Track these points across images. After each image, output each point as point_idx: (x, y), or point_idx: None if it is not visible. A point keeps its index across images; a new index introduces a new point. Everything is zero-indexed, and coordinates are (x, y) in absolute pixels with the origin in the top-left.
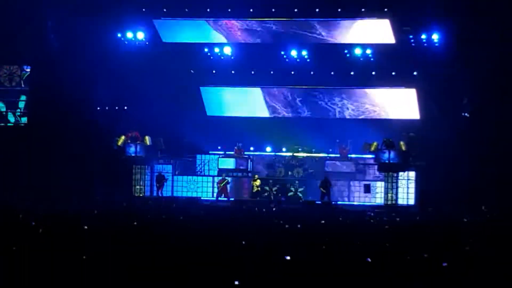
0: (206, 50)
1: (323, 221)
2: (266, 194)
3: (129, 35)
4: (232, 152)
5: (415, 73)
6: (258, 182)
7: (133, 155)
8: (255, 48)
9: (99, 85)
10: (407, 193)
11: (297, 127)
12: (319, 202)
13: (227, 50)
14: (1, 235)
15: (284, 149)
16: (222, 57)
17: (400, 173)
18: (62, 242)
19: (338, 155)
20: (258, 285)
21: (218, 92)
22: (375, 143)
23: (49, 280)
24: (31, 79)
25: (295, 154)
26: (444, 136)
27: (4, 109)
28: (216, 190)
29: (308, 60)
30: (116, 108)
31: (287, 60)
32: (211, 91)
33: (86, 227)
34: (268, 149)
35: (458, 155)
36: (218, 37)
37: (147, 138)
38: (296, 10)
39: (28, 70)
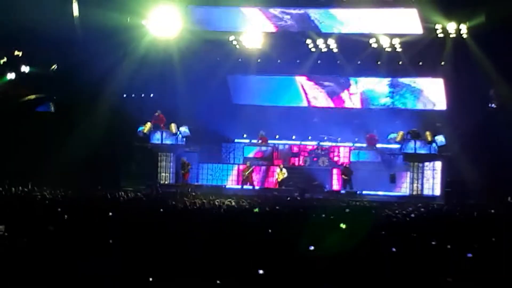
0: (232, 38)
1: (347, 210)
2: (290, 182)
3: (156, 22)
4: (256, 141)
5: (442, 63)
6: (283, 171)
7: (158, 142)
8: (281, 37)
9: (125, 72)
10: (433, 183)
11: (323, 116)
12: (343, 192)
13: (254, 39)
14: (29, 221)
15: (309, 138)
16: (248, 46)
17: (426, 164)
18: (88, 228)
19: (365, 145)
20: (282, 274)
21: (244, 81)
22: (401, 133)
23: (75, 264)
24: (56, 65)
25: (321, 143)
26: (471, 127)
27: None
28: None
29: (334, 49)
30: (142, 95)
31: (313, 49)
32: (237, 80)
33: (111, 214)
34: (294, 137)
35: (484, 146)
36: (246, 25)
37: (173, 125)
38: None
39: None
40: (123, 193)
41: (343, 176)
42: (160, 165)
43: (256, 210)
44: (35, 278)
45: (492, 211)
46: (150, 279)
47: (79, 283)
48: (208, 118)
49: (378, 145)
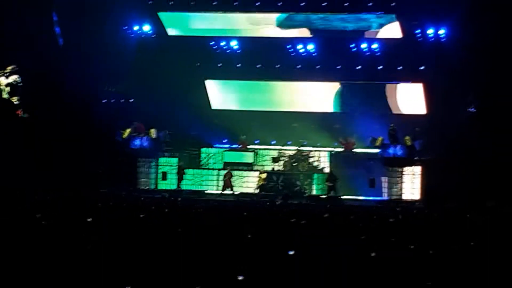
0: (212, 43)
1: (326, 215)
2: (271, 186)
3: (135, 28)
4: (236, 146)
5: (422, 67)
6: (263, 176)
7: (138, 147)
8: (260, 42)
9: (105, 78)
10: (412, 188)
11: (303, 121)
12: (324, 196)
13: (233, 44)
14: (6, 226)
15: (289, 143)
16: (227, 51)
17: (405, 168)
18: (66, 233)
19: (343, 149)
20: (262, 280)
21: (223, 86)
22: (380, 138)
23: (52, 271)
24: (36, 72)
25: (300, 148)
26: (450, 131)
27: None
28: (221, 183)
29: (314, 54)
30: (122, 100)
31: (293, 53)
32: (216, 84)
33: (90, 220)
34: (273, 143)
35: (464, 151)
36: (225, 30)
37: (152, 130)
38: (303, 3)
39: None
40: (102, 198)
41: (327, 183)
42: (139, 171)
43: None
44: (11, 282)
45: (470, 215)
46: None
47: None
48: (187, 123)
49: (357, 150)
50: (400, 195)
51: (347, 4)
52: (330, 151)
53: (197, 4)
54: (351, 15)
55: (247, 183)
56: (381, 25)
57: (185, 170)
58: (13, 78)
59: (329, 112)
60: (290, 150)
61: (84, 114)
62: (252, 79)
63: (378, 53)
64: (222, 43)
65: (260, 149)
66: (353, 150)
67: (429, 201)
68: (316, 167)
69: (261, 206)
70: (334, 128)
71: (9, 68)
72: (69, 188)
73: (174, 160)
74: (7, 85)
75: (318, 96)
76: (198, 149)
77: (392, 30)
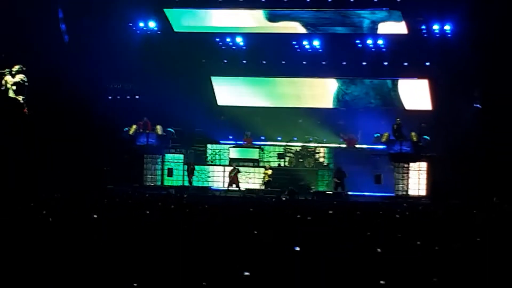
0: (217, 39)
1: (330, 212)
2: (277, 184)
3: (141, 24)
4: (242, 142)
5: (427, 63)
6: (269, 172)
7: (144, 144)
8: (266, 38)
9: (110, 75)
10: (418, 184)
11: (308, 117)
12: (330, 192)
13: (239, 40)
14: (13, 224)
15: (295, 139)
16: (233, 47)
17: (411, 164)
18: (72, 230)
19: (346, 145)
20: (267, 276)
21: (229, 82)
22: (386, 134)
23: (57, 268)
24: (41, 69)
25: (306, 144)
26: (456, 127)
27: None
28: (228, 179)
29: (320, 50)
30: (128, 97)
31: (298, 50)
32: (222, 81)
33: (95, 216)
34: (279, 139)
35: (470, 146)
36: (230, 27)
37: (158, 127)
38: (308, 0)
39: None
40: (108, 194)
41: (335, 179)
42: (146, 167)
43: None
44: (16, 281)
45: (477, 211)
46: (135, 284)
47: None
48: (193, 119)
49: (362, 146)
50: (406, 191)
51: (352, 0)
52: (334, 147)
53: (202, 0)
54: (355, 11)
55: (253, 179)
56: (382, 20)
57: (194, 166)
58: (19, 77)
59: (334, 108)
60: (296, 146)
61: (90, 111)
62: (258, 75)
63: (384, 49)
64: (228, 40)
65: (265, 145)
66: (356, 146)
67: (434, 197)
68: (322, 163)
69: (267, 202)
70: (339, 125)
71: (16, 67)
72: (75, 185)
73: (180, 157)
74: (13, 84)
75: (324, 92)
76: (204, 146)
77: (398, 26)
